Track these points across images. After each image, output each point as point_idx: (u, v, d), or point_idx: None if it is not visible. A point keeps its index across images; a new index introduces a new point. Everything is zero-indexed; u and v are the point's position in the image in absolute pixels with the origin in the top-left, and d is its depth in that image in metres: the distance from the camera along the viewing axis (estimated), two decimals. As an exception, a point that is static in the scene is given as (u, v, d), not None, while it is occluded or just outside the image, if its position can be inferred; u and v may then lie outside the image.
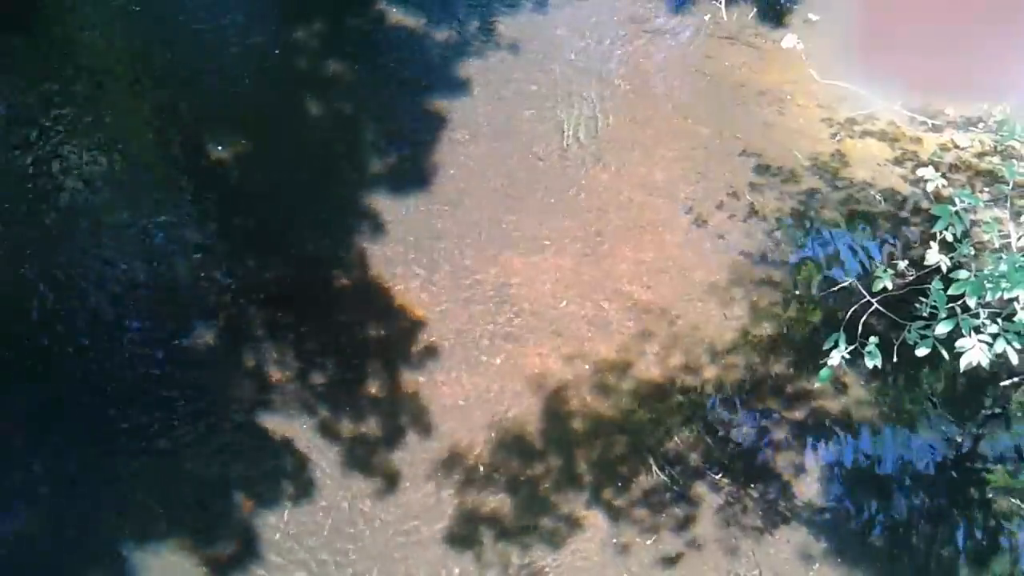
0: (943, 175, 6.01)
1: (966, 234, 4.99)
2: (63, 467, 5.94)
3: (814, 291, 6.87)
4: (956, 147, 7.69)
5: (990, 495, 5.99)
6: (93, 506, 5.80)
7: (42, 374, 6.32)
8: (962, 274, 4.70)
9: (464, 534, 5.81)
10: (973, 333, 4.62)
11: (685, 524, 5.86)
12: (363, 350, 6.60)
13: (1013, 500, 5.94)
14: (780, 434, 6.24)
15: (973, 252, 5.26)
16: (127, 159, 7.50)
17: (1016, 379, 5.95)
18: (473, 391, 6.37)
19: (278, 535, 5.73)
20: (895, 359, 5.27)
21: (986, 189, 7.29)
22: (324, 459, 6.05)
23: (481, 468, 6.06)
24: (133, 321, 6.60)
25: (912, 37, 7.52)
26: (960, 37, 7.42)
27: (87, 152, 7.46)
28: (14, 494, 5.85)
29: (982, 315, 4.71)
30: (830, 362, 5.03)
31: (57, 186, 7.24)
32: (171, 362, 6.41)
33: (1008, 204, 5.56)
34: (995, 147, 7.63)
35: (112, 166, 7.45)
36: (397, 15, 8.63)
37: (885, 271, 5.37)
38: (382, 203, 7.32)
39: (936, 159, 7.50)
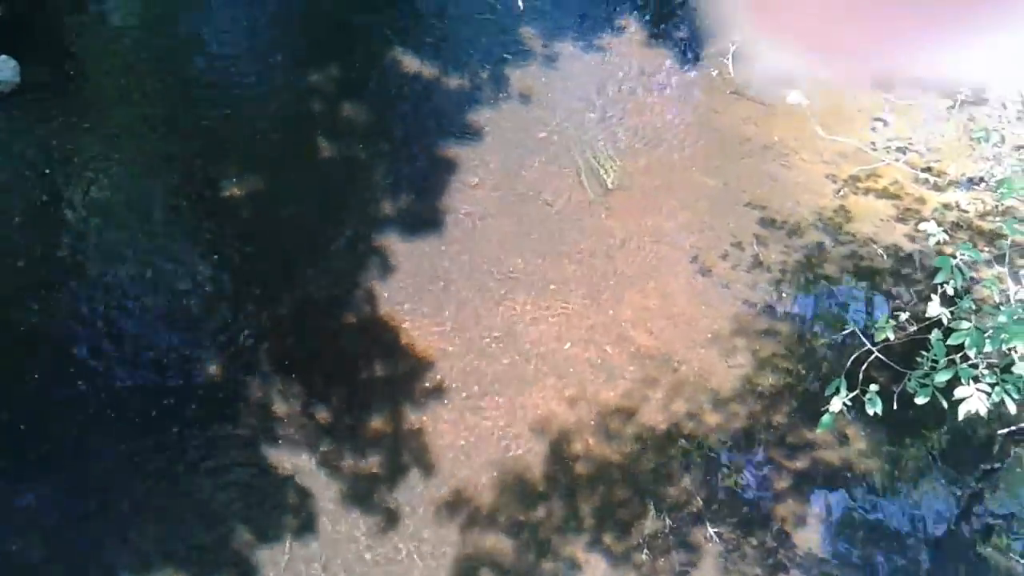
0: (945, 231, 6.12)
1: (967, 289, 5.08)
2: (66, 499, 5.96)
3: (816, 341, 6.93)
4: (958, 207, 7.80)
5: (988, 549, 5.98)
6: (95, 537, 5.81)
7: (45, 405, 6.37)
8: (963, 326, 4.78)
9: (463, 575, 5.81)
10: (972, 382, 4.68)
11: (684, 571, 5.86)
12: (368, 388, 6.65)
13: (1012, 557, 5.93)
14: (781, 482, 6.27)
15: (974, 307, 5.34)
16: (139, 195, 7.62)
17: (1013, 428, 5.98)
18: (476, 431, 6.42)
19: (278, 569, 5.73)
20: (895, 407, 5.32)
21: (987, 248, 7.38)
22: (326, 495, 6.07)
23: (482, 509, 6.08)
24: (140, 355, 6.66)
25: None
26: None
27: (98, 187, 7.58)
28: (16, 525, 5.87)
29: (980, 365, 4.78)
30: (831, 408, 5.09)
31: (69, 220, 7.35)
32: (177, 396, 6.46)
33: (1007, 261, 5.65)
34: (996, 207, 7.74)
35: (123, 202, 7.57)
36: (410, 63, 8.82)
37: (887, 322, 5.45)
38: (391, 244, 7.42)
39: (939, 216, 7.61)
